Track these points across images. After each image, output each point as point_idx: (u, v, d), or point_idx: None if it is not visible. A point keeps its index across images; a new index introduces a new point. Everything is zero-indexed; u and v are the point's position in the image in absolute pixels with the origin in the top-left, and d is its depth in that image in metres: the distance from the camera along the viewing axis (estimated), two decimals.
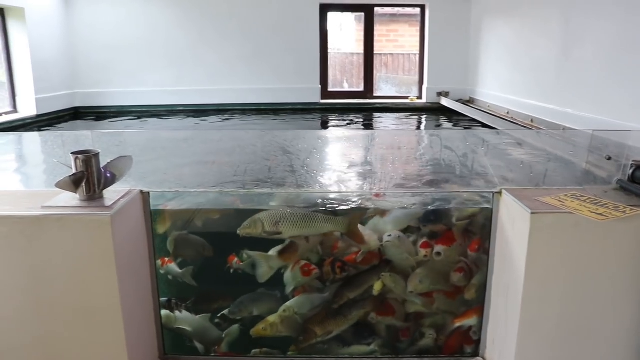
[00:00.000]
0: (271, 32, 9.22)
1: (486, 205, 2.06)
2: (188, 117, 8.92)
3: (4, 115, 8.24)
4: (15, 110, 8.62)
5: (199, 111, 9.33)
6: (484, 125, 6.92)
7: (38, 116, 8.66)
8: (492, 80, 7.88)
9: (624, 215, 1.71)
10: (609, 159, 2.11)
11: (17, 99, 8.65)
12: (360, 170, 1.99)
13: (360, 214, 2.07)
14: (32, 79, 8.55)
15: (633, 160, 2.14)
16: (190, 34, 9.27)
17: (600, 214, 1.72)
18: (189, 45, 9.29)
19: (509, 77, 6.97)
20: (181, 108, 9.46)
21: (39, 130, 8.23)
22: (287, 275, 2.09)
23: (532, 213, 1.70)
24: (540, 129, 5.38)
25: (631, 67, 3.97)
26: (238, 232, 1.97)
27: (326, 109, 9.48)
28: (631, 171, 2.15)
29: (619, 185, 2.12)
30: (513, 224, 1.86)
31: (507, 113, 6.67)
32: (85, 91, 9.67)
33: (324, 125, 8.43)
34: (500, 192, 1.98)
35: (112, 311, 1.78)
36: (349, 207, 2.04)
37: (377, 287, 2.10)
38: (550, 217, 1.73)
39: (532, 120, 5.74)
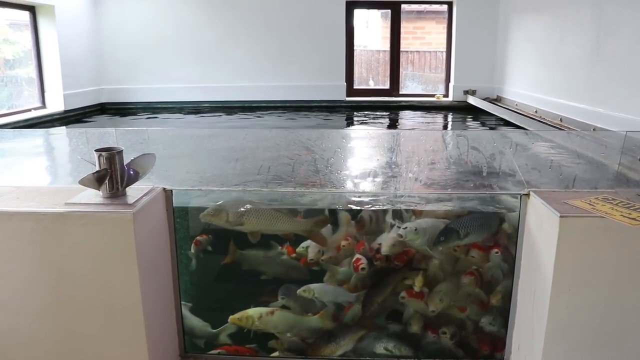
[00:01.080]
0: (297, 29, 9.21)
1: (512, 209, 2.01)
2: (213, 114, 8.97)
3: (32, 110, 8.38)
4: (43, 105, 8.75)
5: (225, 107, 9.37)
6: (512, 125, 6.82)
7: (65, 112, 8.79)
8: (520, 78, 7.75)
9: None
10: None
11: (46, 94, 8.78)
12: (384, 171, 1.97)
13: (325, 219, 2.07)
14: (60, 75, 8.68)
15: None
16: (217, 31, 9.31)
17: (633, 219, 1.66)
18: (215, 42, 9.34)
19: (538, 75, 6.84)
20: (207, 104, 9.51)
21: (66, 126, 8.35)
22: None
23: (560, 216, 1.66)
24: (570, 129, 5.27)
25: None
26: (200, 217, 1.98)
27: (351, 107, 9.44)
28: None
29: None
30: (541, 227, 1.82)
31: (536, 112, 6.55)
32: (112, 87, 9.78)
33: (349, 123, 8.40)
34: (528, 194, 1.93)
35: (133, 308, 1.79)
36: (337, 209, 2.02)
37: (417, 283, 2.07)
38: (580, 221, 1.68)
39: (561, 120, 5.63)
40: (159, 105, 9.62)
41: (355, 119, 8.55)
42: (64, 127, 7.88)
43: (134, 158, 1.89)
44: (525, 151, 2.03)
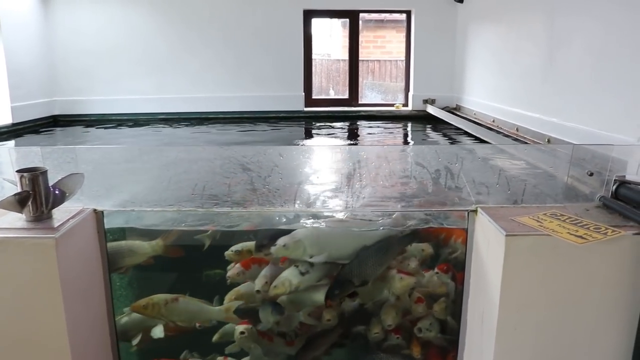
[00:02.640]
0: (254, 39, 9.13)
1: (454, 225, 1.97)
2: (168, 125, 8.80)
3: None
4: None
5: (180, 119, 9.21)
6: (469, 135, 6.86)
7: (14, 125, 8.49)
8: (479, 87, 7.82)
9: (605, 238, 1.62)
10: (591, 174, 2.03)
11: None
12: (326, 188, 1.91)
13: (175, 234, 2.03)
14: (7, 86, 8.39)
15: (616, 176, 2.07)
16: (172, 41, 9.17)
17: (580, 236, 1.63)
18: (170, 52, 9.19)
19: (496, 84, 6.90)
20: (162, 116, 9.33)
21: (15, 139, 8.07)
22: None
23: (506, 235, 1.61)
24: (521, 140, 5.31)
25: (620, 74, 3.87)
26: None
27: (310, 117, 9.39)
28: (614, 187, 2.07)
29: (602, 202, 2.04)
30: (488, 246, 1.77)
31: (493, 121, 6.61)
32: (65, 99, 9.51)
33: (307, 134, 8.34)
34: (475, 211, 1.89)
35: (58, 340, 1.67)
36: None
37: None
38: (527, 239, 1.64)
39: (517, 129, 5.67)
40: (113, 118, 9.39)
41: (313, 130, 8.49)
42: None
43: (61, 178, 1.78)
44: (473, 164, 1.99)
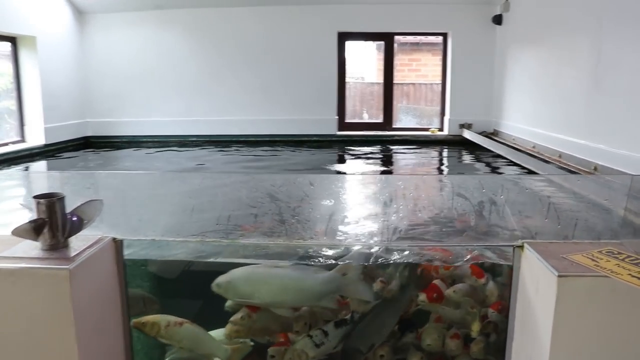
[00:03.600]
0: (287, 61, 9.14)
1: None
2: (200, 147, 8.83)
3: (10, 144, 8.22)
4: (22, 139, 8.60)
5: (212, 142, 9.24)
6: (508, 160, 6.67)
7: (46, 145, 8.64)
8: (518, 112, 7.65)
9: None
10: None
11: (25, 128, 8.64)
12: (356, 220, 1.80)
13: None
14: (41, 107, 8.55)
15: None
16: (204, 63, 9.24)
17: None
18: (202, 74, 9.25)
19: (536, 109, 6.73)
20: (193, 138, 9.38)
21: (47, 160, 8.19)
22: None
23: (559, 276, 1.47)
24: (565, 167, 5.11)
25: None
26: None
27: (343, 141, 9.31)
28: None
29: None
30: (537, 286, 1.63)
31: (534, 147, 6.42)
32: (97, 120, 9.66)
33: (340, 159, 8.25)
34: (522, 246, 1.75)
35: None
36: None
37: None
38: (582, 281, 1.49)
39: (560, 156, 5.48)
40: (145, 140, 9.48)
41: (347, 155, 8.40)
42: (29, 164, 7.68)
43: (79, 205, 1.71)
44: (520, 195, 1.86)
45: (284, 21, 9.05)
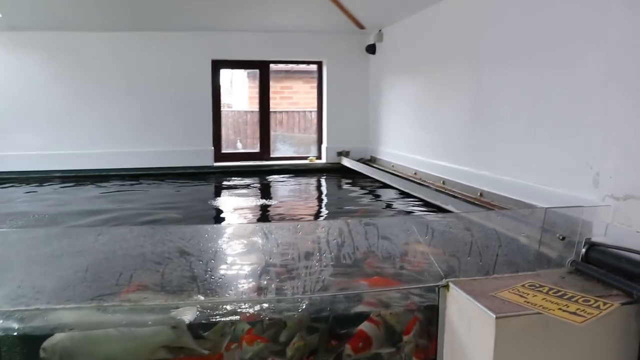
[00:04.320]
0: (159, 91, 8.77)
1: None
2: (63, 185, 8.18)
3: None
4: None
5: (79, 177, 8.60)
6: (390, 187, 6.83)
7: None
8: (396, 139, 7.88)
9: (601, 313, 1.50)
10: (563, 238, 1.93)
11: None
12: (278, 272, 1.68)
13: None
14: None
15: (586, 239, 1.98)
16: (68, 92, 8.60)
17: (574, 313, 1.50)
18: (66, 104, 8.60)
19: (416, 136, 6.95)
20: (58, 174, 8.68)
21: None
22: None
23: (497, 317, 1.45)
24: (450, 194, 5.29)
25: (552, 127, 3.92)
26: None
27: (220, 172, 9.08)
28: (584, 250, 1.98)
29: (574, 267, 1.95)
30: (469, 327, 1.60)
31: (415, 174, 6.63)
32: None
33: (218, 191, 8.03)
34: (447, 286, 1.72)
35: None
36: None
37: None
38: (517, 320, 1.49)
39: (443, 182, 5.68)
40: (2, 176, 8.61)
41: (224, 188, 8.18)
42: None
43: None
44: (438, 237, 1.84)
45: (157, 47, 8.72)
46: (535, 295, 1.63)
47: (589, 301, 1.58)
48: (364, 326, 1.82)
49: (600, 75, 2.54)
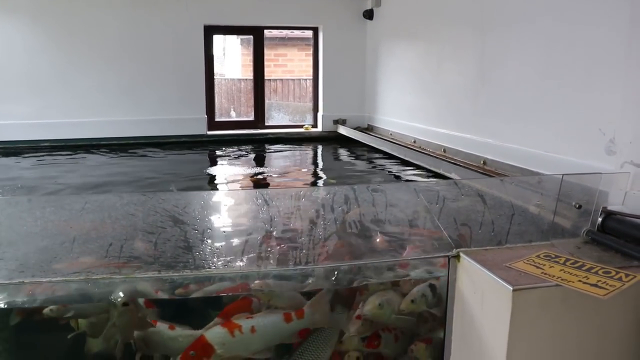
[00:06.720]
0: (150, 57, 8.60)
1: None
2: (53, 153, 8.05)
3: None
4: None
5: (69, 146, 8.46)
6: (389, 155, 6.75)
7: None
8: (394, 107, 7.77)
9: (624, 285, 1.42)
10: (579, 207, 1.85)
11: None
12: (277, 240, 1.59)
13: None
14: None
15: (603, 207, 1.91)
16: (58, 60, 8.41)
17: (596, 285, 1.42)
18: (56, 72, 8.41)
19: (415, 103, 6.83)
20: (47, 143, 8.54)
21: None
22: None
23: (514, 290, 1.37)
24: (452, 162, 5.20)
25: (557, 94, 3.81)
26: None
27: (214, 141, 8.97)
28: (601, 219, 1.91)
29: (590, 237, 1.87)
30: (481, 299, 1.52)
31: (414, 142, 6.53)
32: None
33: (212, 161, 7.91)
34: (457, 256, 1.64)
35: None
36: None
37: None
38: (535, 292, 1.41)
39: (444, 150, 5.59)
40: None
41: (218, 158, 8.06)
42: None
43: None
44: (447, 205, 1.75)
45: (147, 11, 8.50)
46: (552, 267, 1.55)
47: (609, 272, 1.51)
48: None
49: (622, 30, 2.43)
